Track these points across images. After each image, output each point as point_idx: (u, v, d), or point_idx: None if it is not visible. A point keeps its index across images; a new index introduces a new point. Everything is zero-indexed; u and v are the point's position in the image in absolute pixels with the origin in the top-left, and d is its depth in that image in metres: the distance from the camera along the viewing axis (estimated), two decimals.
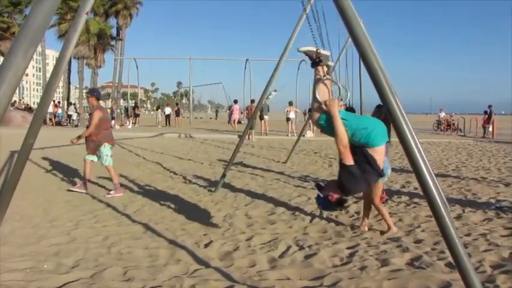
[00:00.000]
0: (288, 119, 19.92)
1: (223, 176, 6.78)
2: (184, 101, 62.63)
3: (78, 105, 31.84)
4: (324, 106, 3.35)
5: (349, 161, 3.19)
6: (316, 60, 3.42)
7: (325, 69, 3.48)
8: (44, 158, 9.97)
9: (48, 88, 2.83)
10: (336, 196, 3.27)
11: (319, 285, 3.21)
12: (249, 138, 16.11)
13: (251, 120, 9.36)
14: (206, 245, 4.14)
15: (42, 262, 3.60)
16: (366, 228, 4.64)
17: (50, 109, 24.11)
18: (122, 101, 41.24)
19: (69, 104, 30.19)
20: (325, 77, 3.44)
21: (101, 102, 7.50)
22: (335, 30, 7.45)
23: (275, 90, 17.79)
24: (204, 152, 12.75)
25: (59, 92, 38.99)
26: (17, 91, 1.98)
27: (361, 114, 9.99)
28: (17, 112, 24.64)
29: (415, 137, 2.39)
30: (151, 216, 5.21)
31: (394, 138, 3.14)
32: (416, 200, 6.03)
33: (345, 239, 4.33)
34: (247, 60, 31.19)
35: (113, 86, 39.97)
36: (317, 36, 3.40)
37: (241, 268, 3.56)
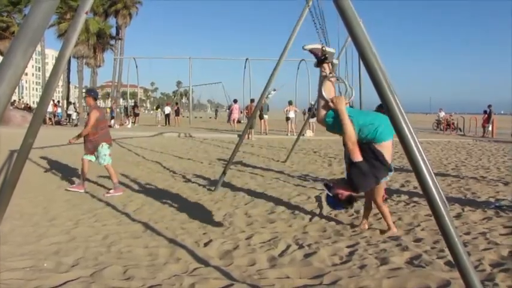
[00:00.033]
0: (287, 119, 19.95)
1: (223, 175, 6.79)
2: (183, 100, 62.54)
3: (77, 105, 31.81)
4: (330, 103, 3.33)
5: (358, 157, 3.18)
6: (321, 58, 3.39)
7: (331, 66, 3.47)
8: (44, 157, 9.97)
9: (47, 87, 2.82)
10: (345, 194, 3.27)
11: (318, 284, 3.21)
12: (248, 137, 16.12)
13: (251, 120, 9.37)
14: (206, 244, 4.14)
15: (42, 261, 3.60)
16: (366, 227, 4.63)
17: (50, 108, 24.05)
18: (121, 100, 41.23)
19: (68, 103, 30.13)
20: (331, 75, 3.43)
21: (101, 102, 7.51)
22: (335, 30, 7.44)
23: (274, 90, 17.78)
24: (203, 152, 12.75)
25: (59, 91, 38.96)
26: (16, 90, 1.98)
27: None
28: (16, 111, 24.59)
29: (415, 136, 2.40)
30: (151, 215, 5.21)
31: (394, 138, 3.14)
32: (415, 199, 6.04)
33: (344, 238, 4.32)
34: (246, 59, 31.11)
35: (112, 85, 40.00)
36: (321, 34, 3.39)
37: (240, 267, 3.56)
